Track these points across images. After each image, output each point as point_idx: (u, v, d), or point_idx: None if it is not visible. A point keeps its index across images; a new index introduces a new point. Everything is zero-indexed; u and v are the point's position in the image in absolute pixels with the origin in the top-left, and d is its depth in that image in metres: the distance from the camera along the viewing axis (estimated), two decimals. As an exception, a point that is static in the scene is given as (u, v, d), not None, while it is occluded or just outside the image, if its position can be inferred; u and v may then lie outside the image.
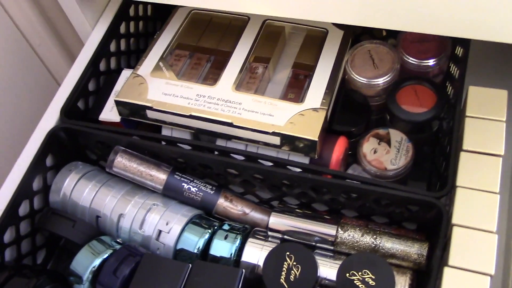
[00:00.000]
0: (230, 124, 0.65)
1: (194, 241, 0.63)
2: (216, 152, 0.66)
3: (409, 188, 0.59)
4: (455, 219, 0.53)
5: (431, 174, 0.71)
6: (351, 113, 0.71)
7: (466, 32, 0.55)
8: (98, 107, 0.74)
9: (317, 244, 0.62)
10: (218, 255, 0.62)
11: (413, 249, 0.59)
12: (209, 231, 0.64)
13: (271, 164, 0.64)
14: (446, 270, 0.50)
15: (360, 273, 0.55)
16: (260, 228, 0.65)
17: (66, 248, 0.72)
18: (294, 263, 0.57)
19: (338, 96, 0.71)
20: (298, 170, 0.63)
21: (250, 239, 0.63)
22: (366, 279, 0.55)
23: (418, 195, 0.58)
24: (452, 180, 0.58)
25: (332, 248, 0.62)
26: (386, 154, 0.68)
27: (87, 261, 0.62)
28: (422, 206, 0.59)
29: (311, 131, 0.64)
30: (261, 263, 0.61)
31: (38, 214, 0.68)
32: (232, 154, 0.65)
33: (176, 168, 0.68)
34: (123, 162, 0.67)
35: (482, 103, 0.60)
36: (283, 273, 0.57)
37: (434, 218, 0.59)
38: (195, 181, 0.67)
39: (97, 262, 0.61)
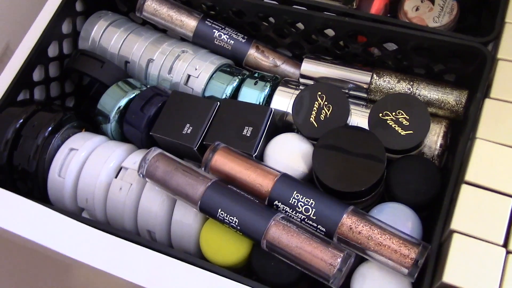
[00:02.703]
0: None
1: (222, 87, 0.62)
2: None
3: (452, 33, 0.56)
4: (500, 54, 0.49)
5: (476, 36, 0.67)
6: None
7: None
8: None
9: (351, 92, 0.60)
10: (247, 102, 0.61)
11: (452, 96, 0.56)
12: (238, 78, 0.62)
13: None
14: (487, 102, 0.47)
15: (394, 113, 0.53)
16: (291, 79, 0.63)
17: (94, 98, 0.71)
18: (326, 103, 0.55)
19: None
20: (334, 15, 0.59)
21: (280, 87, 0.61)
22: (400, 119, 0.53)
23: (462, 40, 0.55)
24: (500, 24, 0.54)
25: (365, 96, 0.59)
26: (428, 12, 0.64)
27: (114, 100, 0.61)
28: (464, 55, 0.56)
29: (351, -24, 0.60)
30: (290, 111, 0.59)
31: (67, 58, 0.68)
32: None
33: (207, 15, 0.65)
34: (153, 6, 0.65)
35: None
36: (313, 112, 0.55)
37: (475, 70, 0.55)
38: (226, 28, 0.65)
39: (124, 101, 0.61)
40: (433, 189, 0.51)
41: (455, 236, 0.42)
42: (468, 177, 0.44)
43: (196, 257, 0.54)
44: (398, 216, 0.51)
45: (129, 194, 0.55)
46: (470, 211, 0.43)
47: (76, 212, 0.59)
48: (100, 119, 0.62)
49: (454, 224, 0.43)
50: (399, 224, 0.50)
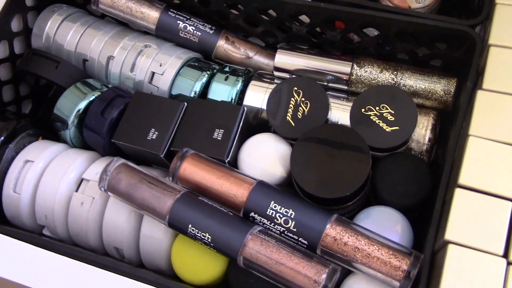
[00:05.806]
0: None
1: (190, 84, 0.56)
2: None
3: (438, 16, 0.51)
4: (492, 40, 0.45)
5: (461, 16, 0.62)
6: None
7: None
8: None
9: (330, 85, 0.55)
10: (218, 100, 0.55)
11: (439, 85, 0.51)
12: (207, 73, 0.57)
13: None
14: (480, 94, 0.43)
15: (377, 108, 0.48)
16: (265, 71, 0.58)
17: (53, 100, 0.65)
18: (303, 99, 0.50)
19: None
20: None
21: (253, 81, 0.56)
22: (384, 114, 0.48)
23: (448, 23, 0.50)
24: (489, 5, 0.49)
25: (346, 88, 0.54)
26: (410, -9, 0.59)
27: (72, 104, 0.56)
28: (451, 39, 0.51)
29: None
30: (265, 107, 0.54)
31: (20, 59, 0.62)
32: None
33: (170, 5, 0.60)
34: (110, -3, 0.59)
35: None
36: (290, 110, 0.50)
37: (464, 56, 0.51)
38: (192, 19, 0.59)
39: (83, 104, 0.55)
40: (423, 190, 0.47)
41: (450, 248, 0.38)
42: (462, 180, 0.40)
43: (168, 274, 0.50)
44: (386, 221, 0.46)
45: (92, 209, 0.50)
46: (465, 218, 0.39)
47: (36, 230, 0.54)
48: (58, 125, 0.56)
49: (449, 234, 0.39)
50: (388, 230, 0.46)
